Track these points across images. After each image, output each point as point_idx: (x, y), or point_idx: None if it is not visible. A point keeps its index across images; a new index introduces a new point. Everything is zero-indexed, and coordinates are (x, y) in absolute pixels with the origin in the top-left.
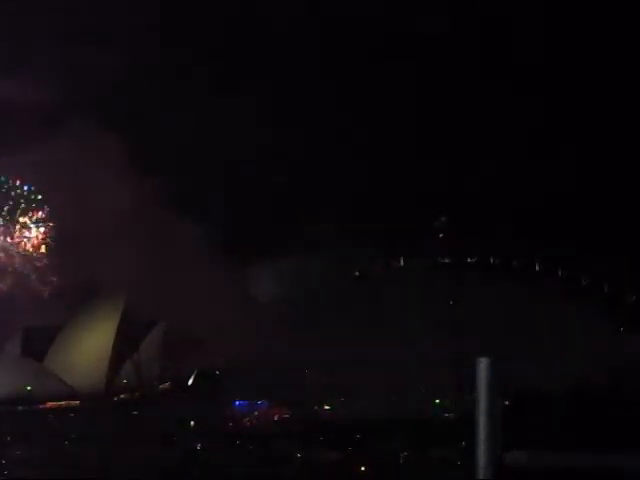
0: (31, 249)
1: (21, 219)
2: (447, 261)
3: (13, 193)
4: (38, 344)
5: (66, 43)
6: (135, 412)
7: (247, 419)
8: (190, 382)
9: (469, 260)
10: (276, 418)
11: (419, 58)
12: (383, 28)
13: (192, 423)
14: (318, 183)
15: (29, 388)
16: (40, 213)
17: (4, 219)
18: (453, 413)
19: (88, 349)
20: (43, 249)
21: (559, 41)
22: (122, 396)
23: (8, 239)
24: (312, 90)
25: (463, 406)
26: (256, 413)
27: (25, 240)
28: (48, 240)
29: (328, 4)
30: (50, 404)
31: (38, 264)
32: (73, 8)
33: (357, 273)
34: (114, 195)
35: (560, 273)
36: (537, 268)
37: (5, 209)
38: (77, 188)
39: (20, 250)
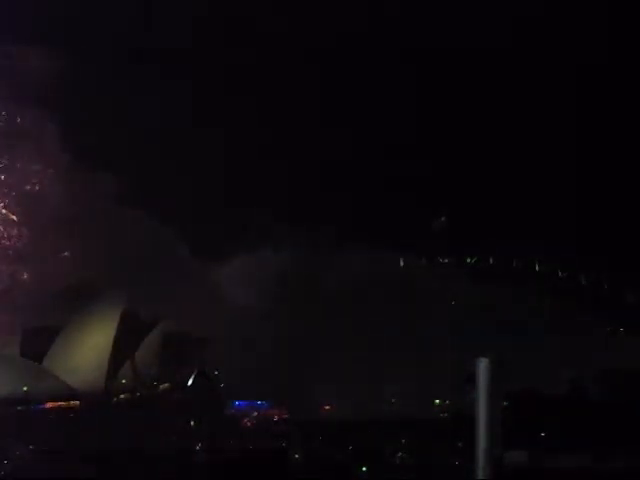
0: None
1: None
2: (447, 261)
3: None
4: (38, 344)
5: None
6: (135, 412)
7: (247, 419)
8: (190, 382)
9: (469, 260)
10: (276, 418)
11: (420, 56)
12: (380, 28)
13: (192, 423)
14: (317, 182)
15: (25, 388)
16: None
17: None
18: (453, 413)
19: (88, 349)
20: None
21: (560, 40)
22: (122, 396)
23: None
24: (309, 87)
25: (463, 406)
26: (256, 413)
27: None
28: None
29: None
30: (50, 404)
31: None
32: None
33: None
34: (83, 195)
35: (560, 273)
36: (537, 268)
37: None
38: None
39: None
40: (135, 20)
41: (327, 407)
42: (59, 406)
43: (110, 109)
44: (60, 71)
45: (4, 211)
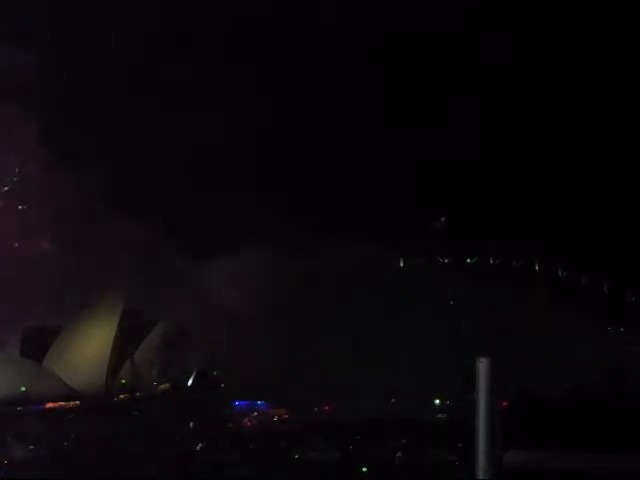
0: None
1: None
2: (447, 261)
3: None
4: (38, 344)
5: None
6: (135, 412)
7: (247, 419)
8: (190, 382)
9: (469, 260)
10: (276, 418)
11: (418, 57)
12: (380, 27)
13: (191, 423)
14: (318, 182)
15: (23, 389)
16: None
17: None
18: (452, 414)
19: (88, 349)
20: None
21: (558, 42)
22: (122, 396)
23: None
24: (299, 83)
25: (462, 406)
26: (256, 413)
27: None
28: None
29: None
30: (50, 404)
31: None
32: None
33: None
34: (73, 195)
35: (560, 273)
36: (537, 268)
37: None
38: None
39: None
40: (117, 20)
41: (327, 407)
42: (59, 406)
43: (99, 108)
44: (41, 69)
45: None
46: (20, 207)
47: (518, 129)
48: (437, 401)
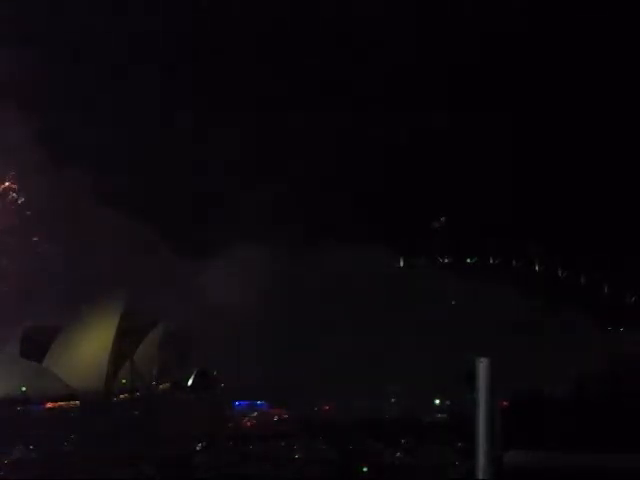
0: None
1: None
2: (447, 261)
3: None
4: (38, 344)
5: None
6: (135, 412)
7: (247, 419)
8: (190, 382)
9: (469, 260)
10: (276, 418)
11: (421, 64)
12: (384, 35)
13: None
14: (320, 182)
15: (24, 389)
16: None
17: None
18: (451, 414)
19: (88, 349)
20: None
21: (553, 43)
22: (122, 396)
23: None
24: (317, 92)
25: (462, 407)
26: (256, 413)
27: None
28: None
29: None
30: (50, 404)
31: None
32: None
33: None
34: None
35: (560, 273)
36: (537, 268)
37: None
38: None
39: None
40: (106, 20)
41: (327, 407)
42: (59, 406)
43: (96, 108)
44: (36, 70)
45: None
46: (19, 207)
47: (518, 130)
48: (437, 401)
